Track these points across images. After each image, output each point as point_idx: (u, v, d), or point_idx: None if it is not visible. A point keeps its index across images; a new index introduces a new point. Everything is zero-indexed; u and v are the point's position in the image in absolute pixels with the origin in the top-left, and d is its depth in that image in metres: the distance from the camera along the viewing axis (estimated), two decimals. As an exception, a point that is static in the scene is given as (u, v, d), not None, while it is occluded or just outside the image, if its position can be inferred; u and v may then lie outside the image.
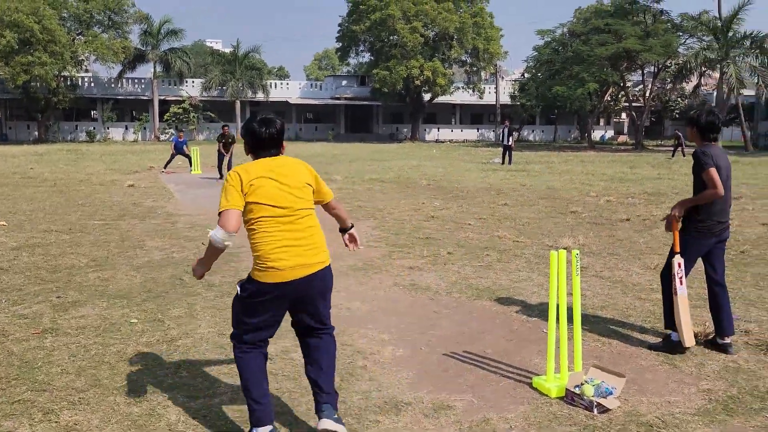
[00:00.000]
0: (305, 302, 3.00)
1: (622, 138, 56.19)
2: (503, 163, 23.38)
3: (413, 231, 8.91)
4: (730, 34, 34.57)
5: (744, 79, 35.34)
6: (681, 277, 4.22)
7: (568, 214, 10.61)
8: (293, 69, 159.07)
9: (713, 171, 4.13)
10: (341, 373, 3.81)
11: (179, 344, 4.31)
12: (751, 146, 35.27)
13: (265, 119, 3.04)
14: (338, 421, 2.98)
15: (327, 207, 3.26)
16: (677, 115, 50.49)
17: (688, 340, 4.14)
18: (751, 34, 34.33)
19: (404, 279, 6.17)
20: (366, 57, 53.02)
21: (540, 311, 5.12)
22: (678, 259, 4.23)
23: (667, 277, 4.33)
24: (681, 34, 38.25)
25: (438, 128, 55.57)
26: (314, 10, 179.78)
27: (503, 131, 24.29)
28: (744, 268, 6.60)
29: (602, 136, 54.96)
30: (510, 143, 23.68)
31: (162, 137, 46.91)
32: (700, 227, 4.25)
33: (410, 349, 4.30)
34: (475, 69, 52.70)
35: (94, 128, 46.86)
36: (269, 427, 2.95)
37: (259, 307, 2.93)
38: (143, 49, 46.67)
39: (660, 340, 4.38)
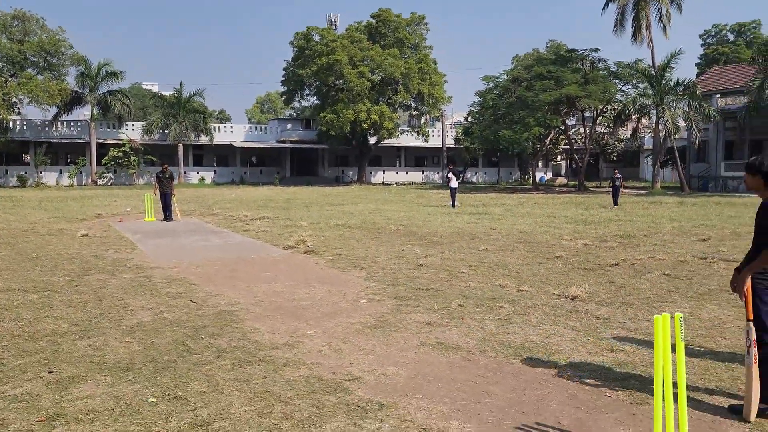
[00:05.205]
0: None
1: (560, 179, 57.99)
2: (453, 206, 23.55)
3: (409, 281, 8.55)
4: (664, 81, 36.48)
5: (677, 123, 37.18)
6: (749, 346, 4.00)
7: (554, 259, 10.52)
8: (234, 112, 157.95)
9: None
10: (417, 458, 3.38)
11: (217, 428, 3.77)
12: (687, 187, 36.92)
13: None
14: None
15: None
16: (614, 158, 52.63)
17: (752, 414, 3.91)
18: (683, 81, 36.31)
19: (428, 337, 5.78)
20: (311, 101, 53.10)
21: (589, 371, 4.84)
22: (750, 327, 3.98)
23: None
24: (617, 81, 40.14)
25: (383, 170, 55.85)
26: (254, 53, 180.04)
27: (448, 174, 24.90)
28: None
29: (541, 178, 56.56)
30: (455, 185, 24.27)
31: (100, 181, 45.02)
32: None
33: (476, 423, 3.91)
34: (418, 113, 53.63)
35: (26, 172, 44.60)
36: None
37: None
38: (81, 91, 45.09)
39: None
